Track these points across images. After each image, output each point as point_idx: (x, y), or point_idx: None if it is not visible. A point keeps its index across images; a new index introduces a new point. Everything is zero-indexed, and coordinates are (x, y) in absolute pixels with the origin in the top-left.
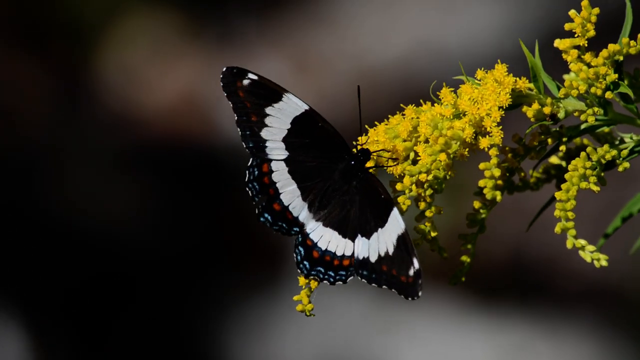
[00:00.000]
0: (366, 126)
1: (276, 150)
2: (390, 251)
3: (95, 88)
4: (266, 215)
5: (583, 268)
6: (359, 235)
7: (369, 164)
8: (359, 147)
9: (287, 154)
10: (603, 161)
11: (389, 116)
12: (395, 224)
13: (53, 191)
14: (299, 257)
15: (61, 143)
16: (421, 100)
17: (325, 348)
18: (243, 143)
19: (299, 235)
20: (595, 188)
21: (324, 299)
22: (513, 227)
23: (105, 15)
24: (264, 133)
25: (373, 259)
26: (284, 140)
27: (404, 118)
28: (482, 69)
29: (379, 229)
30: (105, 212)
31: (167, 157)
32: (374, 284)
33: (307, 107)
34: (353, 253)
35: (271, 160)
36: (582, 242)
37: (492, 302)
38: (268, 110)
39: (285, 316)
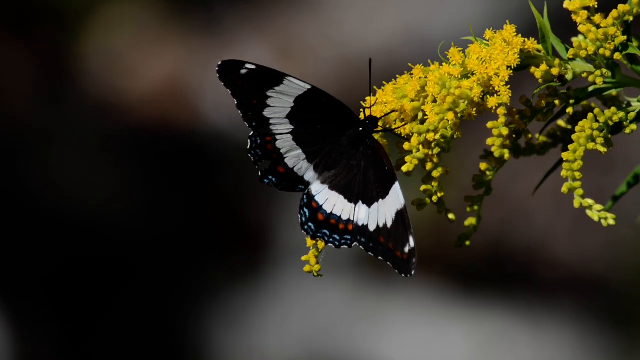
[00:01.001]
0: (374, 87)
1: (280, 126)
2: (389, 224)
3: (79, 73)
4: (270, 177)
5: (564, 258)
6: (360, 202)
7: (379, 125)
8: (366, 112)
9: (292, 127)
10: (610, 123)
11: (397, 76)
12: (395, 198)
13: (38, 175)
14: (303, 219)
15: (45, 127)
16: (429, 61)
17: (307, 337)
18: (246, 123)
19: (304, 196)
20: (602, 149)
21: (306, 287)
22: (495, 217)
23: (89, 1)
24: (267, 112)
25: (372, 227)
26: (288, 116)
27: (411, 78)
28: (491, 28)
29: (380, 200)
30: (90, 197)
31: (150, 142)
32: (370, 253)
33: (309, 86)
34: (350, 218)
35: (275, 134)
36: (590, 201)
37: (473, 291)
38: (269, 93)
39: (268, 305)
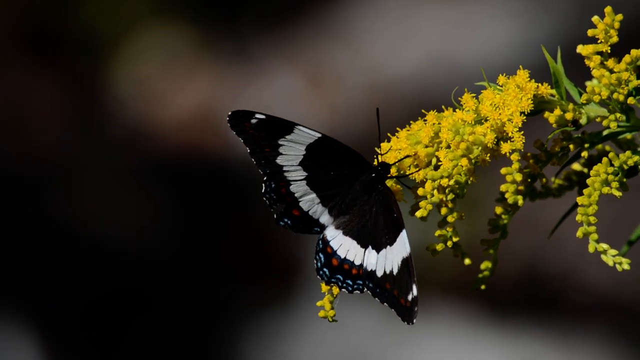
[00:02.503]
0: (389, 134)
1: (294, 173)
2: (395, 271)
3: (109, 102)
4: (285, 219)
5: (596, 283)
6: (370, 247)
7: (392, 171)
8: (380, 159)
9: (306, 174)
10: (625, 167)
11: (411, 122)
12: (402, 246)
13: (67, 205)
14: (319, 264)
15: (75, 157)
16: (443, 106)
17: (339, 356)
18: (260, 170)
19: (320, 242)
20: (617, 193)
21: (340, 310)
22: (526, 242)
23: (119, 29)
24: (280, 160)
25: (379, 273)
26: (301, 163)
27: (425, 124)
28: (504, 74)
29: (388, 246)
30: (119, 226)
31: (180, 170)
32: (376, 298)
33: (320, 135)
34: (362, 263)
35: (289, 180)
36: (605, 246)
37: (506, 316)
38: (280, 141)
39: (301, 328)
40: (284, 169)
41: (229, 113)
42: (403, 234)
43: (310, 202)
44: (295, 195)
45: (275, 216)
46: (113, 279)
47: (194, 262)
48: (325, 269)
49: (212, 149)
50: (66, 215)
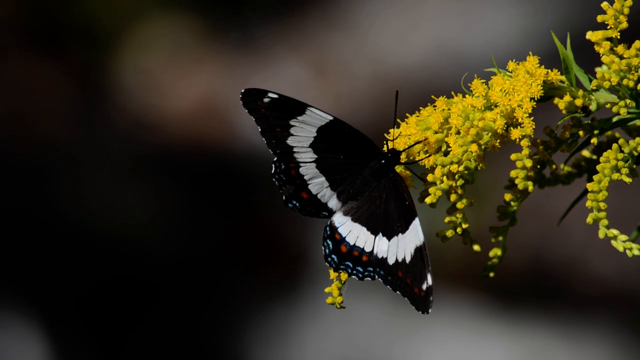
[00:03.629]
0: (398, 120)
1: (304, 154)
2: (407, 259)
3: (113, 93)
4: (294, 201)
5: (602, 273)
6: (381, 234)
7: (401, 157)
8: (390, 145)
9: (315, 156)
10: (635, 153)
11: (420, 108)
12: (415, 234)
13: (71, 196)
14: (327, 250)
15: (79, 147)
16: (452, 92)
17: (346, 354)
18: (270, 150)
19: (327, 228)
20: (628, 179)
21: (346, 302)
22: (532, 233)
23: (124, 20)
24: (290, 140)
25: (391, 261)
26: (311, 145)
27: (435, 110)
28: (514, 60)
29: (400, 234)
30: (123, 217)
31: (185, 162)
32: (388, 286)
33: (331, 117)
34: (372, 250)
35: (299, 162)
36: (615, 231)
37: (512, 307)
38: (292, 122)
39: (306, 322)
40: (294, 149)
41: (242, 90)
42: (416, 222)
43: (319, 185)
44: (305, 177)
45: (284, 197)
46: (117, 270)
47: (199, 254)
48: (333, 256)
49: (218, 140)
50: (70, 206)
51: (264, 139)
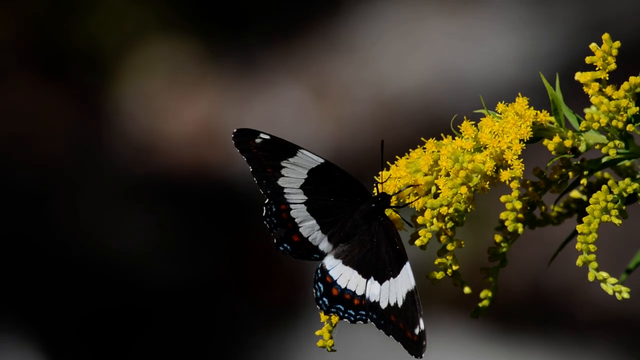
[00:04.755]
0: (387, 162)
1: (294, 196)
2: (400, 303)
3: (113, 116)
4: (285, 244)
5: (601, 298)
6: (372, 278)
7: (392, 200)
8: (379, 188)
9: (306, 198)
10: (624, 194)
11: (410, 150)
12: (406, 279)
13: (69, 219)
14: (318, 294)
15: (78, 171)
16: (442, 134)
17: None
18: (260, 190)
19: (318, 271)
20: (617, 221)
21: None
22: (532, 258)
23: (124, 43)
24: (281, 181)
25: (383, 305)
26: (302, 187)
27: (424, 152)
28: (503, 102)
29: (392, 278)
30: (122, 242)
31: (185, 186)
32: (381, 330)
33: (322, 160)
34: (364, 293)
35: (289, 203)
36: (604, 274)
37: (511, 332)
38: (283, 163)
39: (304, 345)
40: (285, 190)
41: (234, 130)
42: (407, 267)
43: (310, 228)
44: (296, 220)
45: (275, 241)
46: (117, 293)
47: (200, 279)
48: (324, 299)
49: (218, 164)
50: (68, 230)
51: (255, 179)
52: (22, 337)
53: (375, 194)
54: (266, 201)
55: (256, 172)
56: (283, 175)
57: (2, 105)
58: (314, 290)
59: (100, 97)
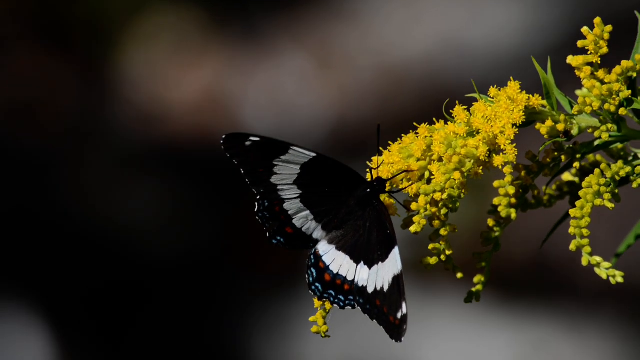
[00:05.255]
0: (380, 148)
1: (288, 191)
2: (385, 288)
3: (118, 84)
4: (278, 237)
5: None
6: (362, 263)
7: (386, 186)
8: (373, 173)
9: (300, 192)
10: (617, 178)
11: (402, 135)
12: (393, 263)
13: (71, 189)
14: (310, 279)
15: (81, 140)
16: (434, 119)
17: (347, 347)
18: (253, 190)
19: (311, 256)
20: (610, 205)
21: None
22: (535, 225)
23: (128, 12)
24: (274, 179)
25: (370, 289)
26: (295, 182)
27: (417, 137)
28: (495, 86)
29: (380, 263)
30: (125, 210)
31: (189, 154)
32: (366, 314)
33: (314, 154)
34: (354, 279)
35: (283, 199)
36: (598, 259)
37: (514, 300)
38: (275, 162)
39: (308, 315)
40: (278, 187)
41: (223, 136)
42: (395, 251)
43: (303, 219)
44: (289, 212)
45: (267, 235)
46: (120, 266)
47: (203, 247)
48: (317, 284)
49: (221, 131)
50: (72, 199)
51: (247, 180)
52: (29, 305)
53: (370, 179)
54: (258, 197)
55: (248, 174)
56: (275, 173)
57: (6, 73)
58: (307, 276)
59: (105, 66)
